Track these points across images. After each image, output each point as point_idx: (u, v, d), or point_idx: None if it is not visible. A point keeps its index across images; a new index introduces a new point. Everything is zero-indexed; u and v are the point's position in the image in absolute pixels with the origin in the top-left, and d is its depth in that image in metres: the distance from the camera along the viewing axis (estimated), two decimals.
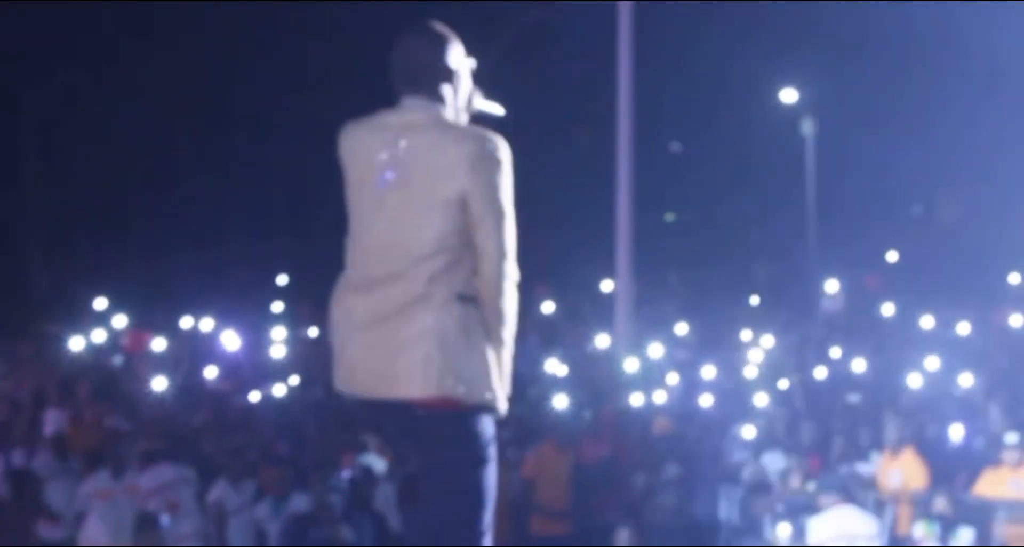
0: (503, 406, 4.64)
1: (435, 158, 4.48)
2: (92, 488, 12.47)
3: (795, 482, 11.94)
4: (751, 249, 38.00)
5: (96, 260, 34.56)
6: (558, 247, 32.61)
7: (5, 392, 17.84)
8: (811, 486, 11.72)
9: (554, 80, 35.77)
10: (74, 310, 26.70)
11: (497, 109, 4.83)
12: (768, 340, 19.33)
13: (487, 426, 4.63)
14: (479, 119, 4.77)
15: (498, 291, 4.55)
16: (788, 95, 36.88)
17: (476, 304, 4.56)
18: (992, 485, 11.98)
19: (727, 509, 12.83)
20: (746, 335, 20.52)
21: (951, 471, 12.58)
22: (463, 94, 4.69)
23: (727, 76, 37.89)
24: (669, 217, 42.79)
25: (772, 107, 37.54)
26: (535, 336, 21.36)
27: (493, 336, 4.58)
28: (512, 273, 4.59)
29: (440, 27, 4.70)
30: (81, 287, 29.43)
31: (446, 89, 4.61)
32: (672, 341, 20.90)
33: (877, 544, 10.82)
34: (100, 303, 25.60)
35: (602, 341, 20.02)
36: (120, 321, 23.79)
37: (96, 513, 12.08)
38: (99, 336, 22.23)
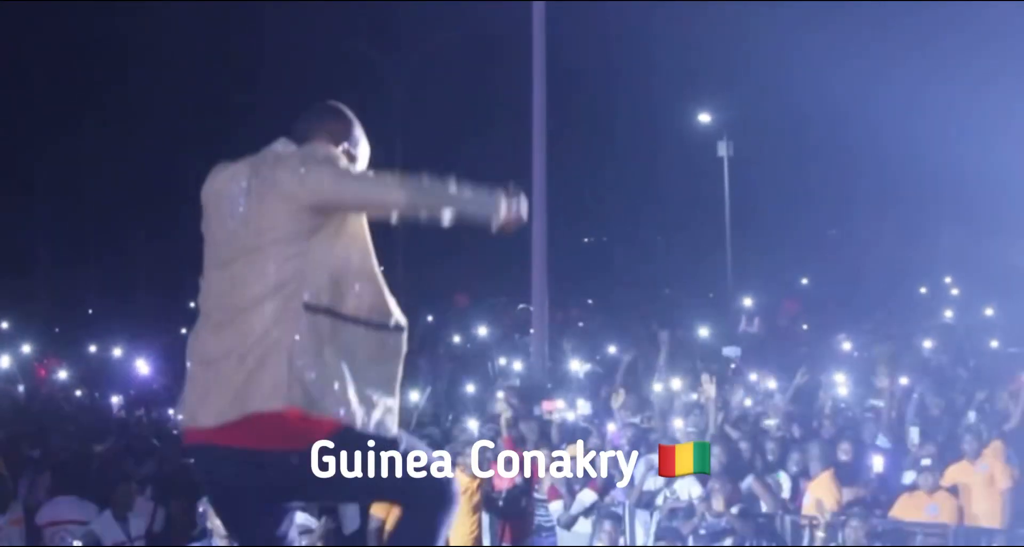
0: (364, 420, 4.51)
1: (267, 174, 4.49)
2: None
3: (718, 505, 11.78)
4: (666, 272, 38.26)
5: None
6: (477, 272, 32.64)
7: None
8: (734, 510, 11.60)
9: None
10: None
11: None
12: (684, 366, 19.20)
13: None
14: None
15: (383, 198, 4.48)
16: (704, 117, 36.97)
17: (326, 314, 4.42)
18: (907, 510, 11.93)
19: (644, 537, 12.68)
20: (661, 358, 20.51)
21: (868, 496, 12.55)
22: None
23: (643, 96, 38.13)
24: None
25: (689, 128, 37.66)
26: (451, 361, 21.28)
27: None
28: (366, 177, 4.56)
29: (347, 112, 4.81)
30: None
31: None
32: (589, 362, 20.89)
33: None
34: (3, 328, 25.24)
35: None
36: (26, 348, 23.43)
37: None
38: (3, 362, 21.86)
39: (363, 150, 4.82)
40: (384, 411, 4.55)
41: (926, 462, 12.04)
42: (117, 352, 22.81)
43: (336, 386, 4.38)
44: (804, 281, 38.22)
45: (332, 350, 4.40)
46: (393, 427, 4.61)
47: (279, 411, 4.35)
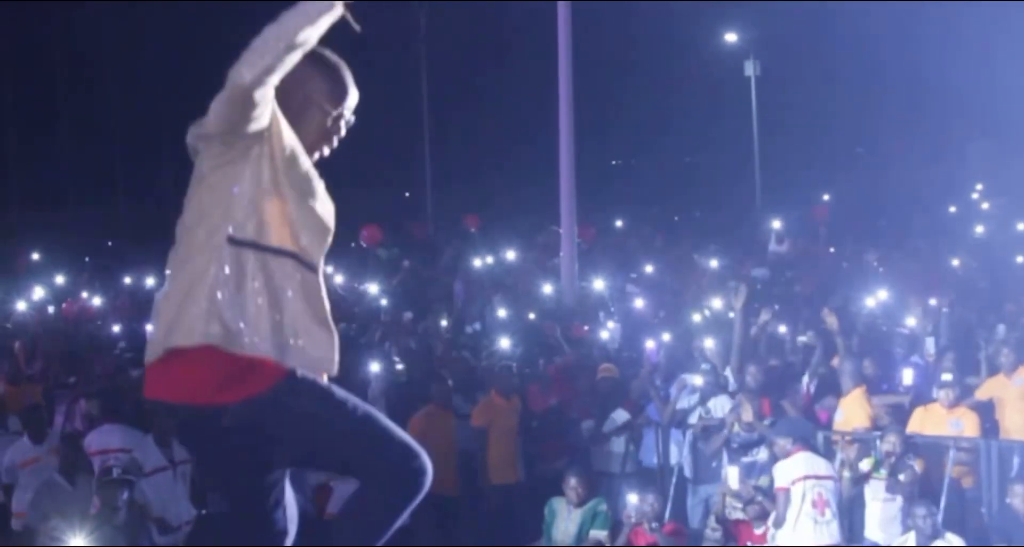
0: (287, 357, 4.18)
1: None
2: (18, 458, 12.22)
3: (747, 416, 11.88)
4: (696, 193, 38.10)
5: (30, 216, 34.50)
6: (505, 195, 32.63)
7: None
8: (766, 423, 11.70)
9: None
10: (8, 268, 26.47)
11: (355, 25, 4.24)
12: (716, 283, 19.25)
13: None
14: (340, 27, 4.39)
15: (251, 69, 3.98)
16: (731, 37, 36.66)
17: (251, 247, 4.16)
18: (925, 425, 11.95)
19: (677, 454, 12.79)
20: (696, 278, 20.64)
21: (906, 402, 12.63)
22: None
23: (669, 16, 37.89)
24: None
25: (716, 48, 37.40)
26: (487, 284, 21.30)
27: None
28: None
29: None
30: (15, 244, 29.22)
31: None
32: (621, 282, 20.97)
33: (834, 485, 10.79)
34: (35, 259, 25.38)
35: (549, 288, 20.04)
36: (58, 279, 23.59)
37: (22, 483, 11.86)
38: (36, 293, 22.03)
39: (350, 100, 4.40)
40: (317, 348, 4.23)
41: (947, 376, 12.08)
42: (150, 282, 22.89)
43: (261, 322, 4.14)
44: (826, 197, 38.13)
45: (257, 285, 4.15)
46: (332, 369, 4.29)
47: (196, 347, 4.08)
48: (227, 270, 4.11)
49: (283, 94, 4.16)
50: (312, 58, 4.20)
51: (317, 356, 4.23)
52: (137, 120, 44.72)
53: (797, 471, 10.64)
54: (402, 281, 21.52)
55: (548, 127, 19.64)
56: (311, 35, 3.98)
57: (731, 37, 36.39)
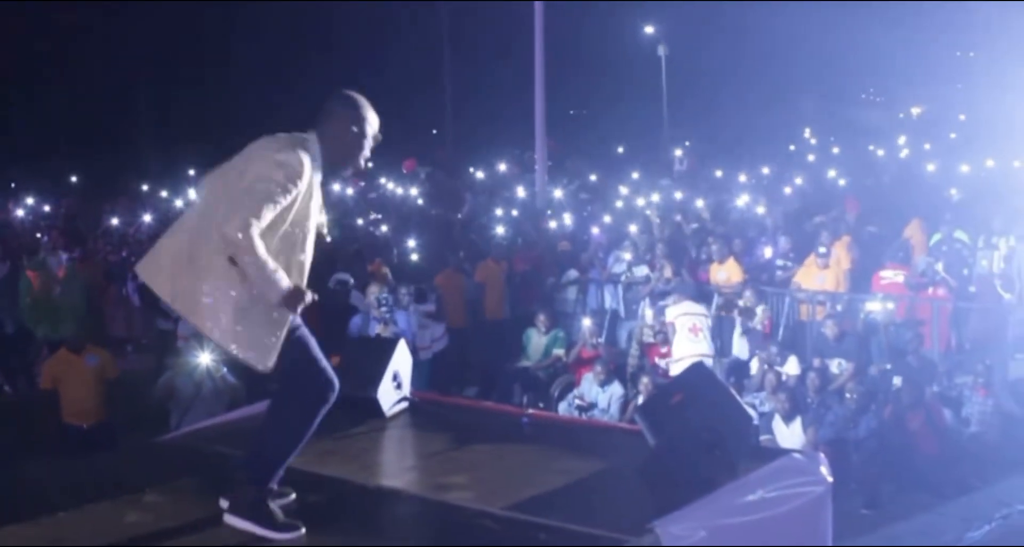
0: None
1: (245, 153, 3.87)
2: None
3: (667, 273, 11.91)
4: (624, 135, 38.10)
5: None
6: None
7: (131, 235, 17.16)
8: (674, 283, 11.69)
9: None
10: None
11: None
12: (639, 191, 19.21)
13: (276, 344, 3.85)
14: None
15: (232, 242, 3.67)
16: (649, 28, 36.28)
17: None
18: (803, 277, 11.96)
19: (611, 300, 12.80)
20: (624, 189, 20.61)
21: (758, 273, 12.61)
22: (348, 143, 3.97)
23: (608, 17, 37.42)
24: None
25: (638, 37, 36.94)
26: (484, 194, 21.20)
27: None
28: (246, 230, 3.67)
29: (361, 101, 4.03)
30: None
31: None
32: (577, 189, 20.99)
33: (707, 320, 10.85)
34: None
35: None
36: None
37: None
38: None
39: (371, 126, 4.02)
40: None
41: (822, 249, 11.98)
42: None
43: None
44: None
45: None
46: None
47: None
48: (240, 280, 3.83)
49: (341, 131, 3.92)
50: (359, 104, 3.98)
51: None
52: None
53: (679, 311, 10.74)
54: (430, 181, 21.64)
55: (529, 86, 19.32)
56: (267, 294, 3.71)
57: (649, 29, 36.08)
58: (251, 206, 3.67)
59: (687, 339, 10.57)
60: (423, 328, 10.80)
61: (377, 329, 9.92)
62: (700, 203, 17.11)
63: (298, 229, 3.84)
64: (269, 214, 3.70)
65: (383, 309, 10.01)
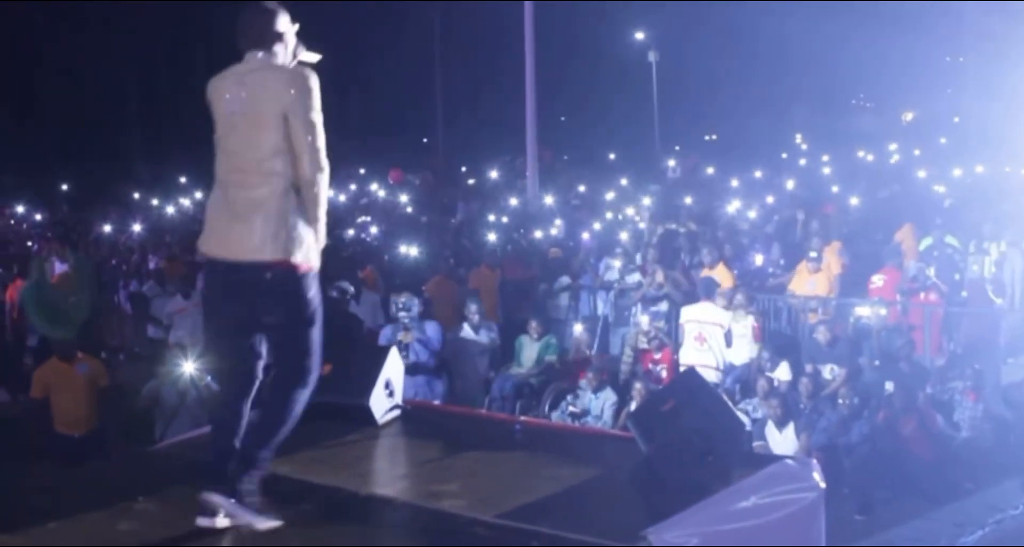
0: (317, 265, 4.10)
1: (265, 89, 4.01)
2: (174, 308, 12.09)
3: (659, 278, 11.92)
4: (615, 142, 38.15)
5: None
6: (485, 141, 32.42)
7: (122, 244, 17.41)
8: (665, 289, 11.66)
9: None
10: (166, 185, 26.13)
11: (313, 57, 4.29)
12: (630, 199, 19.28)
13: (314, 287, 4.09)
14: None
15: (313, 182, 3.99)
16: (639, 35, 36.40)
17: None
18: (795, 283, 12.03)
19: (603, 307, 12.80)
20: (612, 196, 20.66)
21: (749, 279, 12.64)
22: (289, 49, 4.17)
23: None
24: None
25: (629, 43, 37.04)
26: (477, 201, 21.24)
27: (311, 216, 4.03)
28: (323, 165, 4.01)
29: (271, 2, 4.18)
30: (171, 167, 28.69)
31: (277, 46, 4.12)
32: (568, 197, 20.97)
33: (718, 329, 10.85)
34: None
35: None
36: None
37: (176, 324, 11.80)
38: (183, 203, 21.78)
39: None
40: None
41: (813, 254, 12.05)
42: None
43: None
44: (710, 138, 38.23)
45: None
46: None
47: None
48: (294, 207, 4.05)
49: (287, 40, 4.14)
50: (273, 6, 4.15)
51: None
52: None
53: (692, 313, 10.78)
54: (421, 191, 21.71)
55: (520, 91, 19.38)
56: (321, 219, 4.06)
57: (639, 35, 36.20)
58: (316, 143, 3.99)
59: (692, 348, 10.58)
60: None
61: (400, 336, 9.87)
62: (688, 200, 17.19)
63: None
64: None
65: (401, 314, 9.96)
